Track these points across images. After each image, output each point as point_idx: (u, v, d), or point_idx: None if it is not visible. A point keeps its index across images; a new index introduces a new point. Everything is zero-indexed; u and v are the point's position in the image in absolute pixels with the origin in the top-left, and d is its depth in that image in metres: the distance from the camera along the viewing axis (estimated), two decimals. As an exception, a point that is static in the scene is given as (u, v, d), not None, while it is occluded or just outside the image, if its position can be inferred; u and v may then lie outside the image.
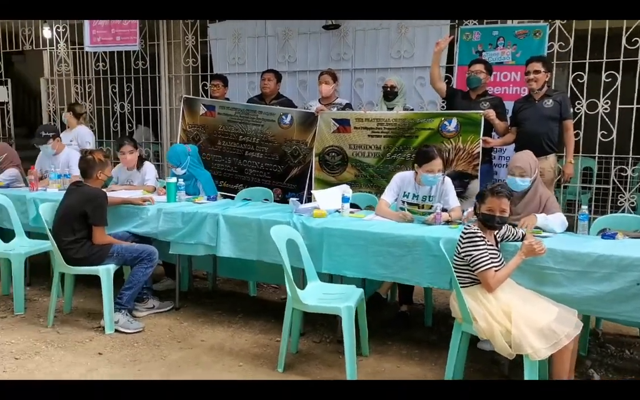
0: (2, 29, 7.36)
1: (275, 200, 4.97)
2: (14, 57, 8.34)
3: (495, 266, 2.91)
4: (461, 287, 2.95)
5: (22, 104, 7.87)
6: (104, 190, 4.06)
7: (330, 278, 3.70)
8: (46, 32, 7.09)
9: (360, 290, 3.42)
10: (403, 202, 3.94)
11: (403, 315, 4.00)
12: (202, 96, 6.19)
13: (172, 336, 3.81)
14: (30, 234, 4.57)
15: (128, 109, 6.80)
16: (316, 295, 3.38)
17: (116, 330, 3.80)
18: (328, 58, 5.81)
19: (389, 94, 4.96)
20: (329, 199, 3.97)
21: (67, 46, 7.09)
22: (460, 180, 4.52)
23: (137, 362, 3.41)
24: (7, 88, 7.51)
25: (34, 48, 7.27)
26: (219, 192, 4.98)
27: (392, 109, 4.96)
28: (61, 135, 5.43)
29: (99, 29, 6.44)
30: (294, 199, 4.26)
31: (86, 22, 6.43)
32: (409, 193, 3.94)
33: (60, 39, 7.05)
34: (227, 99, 5.77)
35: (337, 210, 3.92)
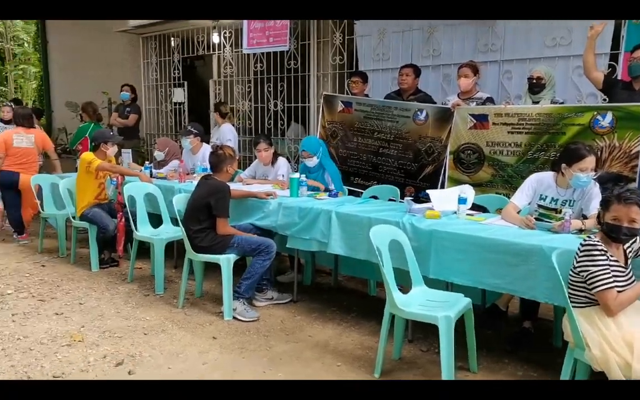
0: (182, 36, 8.24)
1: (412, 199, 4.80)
2: (191, 62, 9.29)
3: (619, 286, 2.43)
4: (575, 307, 2.52)
5: (196, 104, 8.70)
6: (229, 183, 4.28)
7: (447, 286, 3.44)
8: (215, 38, 7.75)
9: (467, 299, 3.12)
10: (539, 205, 3.50)
11: (525, 331, 3.56)
12: (348, 93, 6.22)
13: (282, 328, 3.88)
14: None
15: (281, 107, 7.13)
16: (418, 301, 3.17)
17: (234, 318, 3.99)
18: (475, 50, 5.42)
19: (535, 87, 4.45)
20: (445, 200, 3.69)
21: (232, 50, 7.67)
22: (615, 183, 3.87)
23: (244, 350, 3.54)
24: (184, 89, 8.38)
25: (206, 52, 8.00)
26: (346, 188, 4.96)
27: (537, 102, 4.45)
28: (211, 132, 5.89)
29: (255, 32, 6.86)
30: (409, 197, 4.05)
31: (245, 26, 6.90)
32: (546, 196, 3.49)
33: (226, 43, 7.66)
34: (367, 96, 5.72)
35: (454, 212, 3.63)
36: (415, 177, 5.11)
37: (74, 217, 5.39)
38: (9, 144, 6.10)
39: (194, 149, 5.76)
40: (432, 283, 3.37)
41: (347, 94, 6.17)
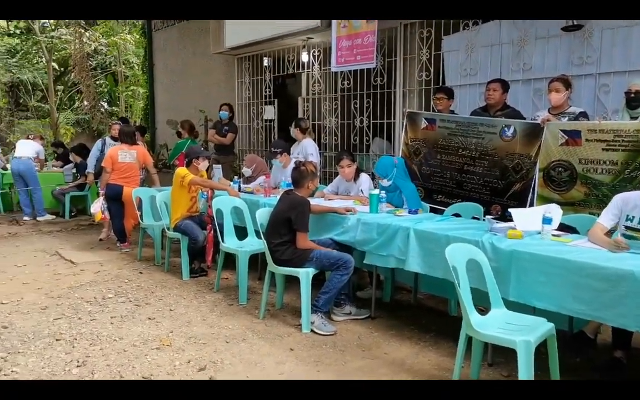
0: (273, 56, 8.56)
1: (493, 218, 4.65)
2: (282, 80, 9.60)
3: None
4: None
5: (285, 120, 8.99)
6: (310, 198, 4.38)
7: (533, 310, 3.29)
8: (304, 56, 7.98)
9: (550, 324, 2.97)
10: (626, 227, 3.28)
11: (616, 362, 3.32)
12: (434, 110, 6.16)
13: (359, 344, 3.89)
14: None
15: (366, 123, 7.18)
16: (496, 324, 3.06)
17: (311, 331, 4.06)
18: (568, 62, 5.18)
19: (633, 101, 4.20)
20: (528, 219, 3.54)
21: (320, 68, 7.85)
22: None
23: (319, 363, 3.58)
24: (274, 107, 8.68)
25: (296, 71, 8.25)
26: (428, 205, 4.90)
27: (636, 118, 4.17)
28: (291, 147, 6.05)
29: (343, 50, 6.98)
30: (489, 216, 3.92)
31: (333, 45, 7.04)
32: (633, 217, 3.26)
33: (315, 61, 7.85)
34: (452, 112, 5.63)
35: (538, 232, 3.48)
36: (502, 194, 4.94)
37: (168, 228, 5.74)
38: (114, 159, 6.63)
39: (285, 164, 5.93)
40: (517, 307, 3.25)
41: (433, 110, 6.10)
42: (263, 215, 4.49)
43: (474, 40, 5.93)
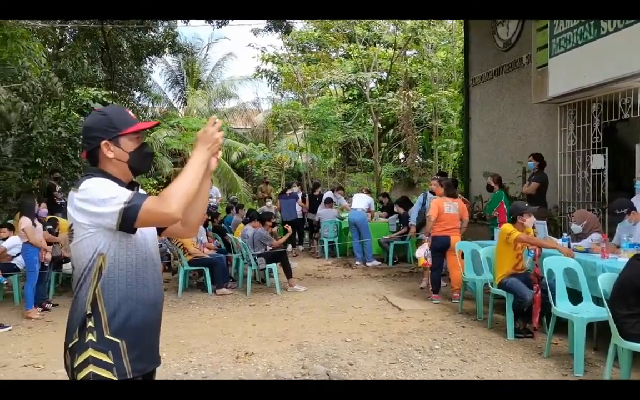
0: (603, 101, 7.84)
1: None
2: (612, 125, 8.68)
3: None
4: None
5: (616, 171, 8.08)
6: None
7: None
8: (644, 99, 7.09)
9: None
10: None
11: None
12: None
13: None
14: (598, 300, 4.75)
15: None
16: None
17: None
18: None
19: None
20: None
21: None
22: None
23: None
24: (604, 156, 7.90)
25: (632, 115, 7.38)
26: None
27: None
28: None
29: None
30: None
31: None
32: None
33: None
34: None
35: None
36: None
37: (491, 284, 5.71)
38: (441, 210, 7.00)
39: (635, 221, 5.31)
40: None
41: None
42: (606, 280, 4.09)
43: None
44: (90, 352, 2.01)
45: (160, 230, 2.30)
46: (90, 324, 2.02)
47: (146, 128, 2.31)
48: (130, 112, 2.28)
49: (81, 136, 2.30)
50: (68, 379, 2.09)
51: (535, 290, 5.21)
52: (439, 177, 8.72)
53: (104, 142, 2.11)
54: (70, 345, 2.05)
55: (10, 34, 7.20)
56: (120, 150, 2.14)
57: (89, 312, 2.02)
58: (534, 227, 5.86)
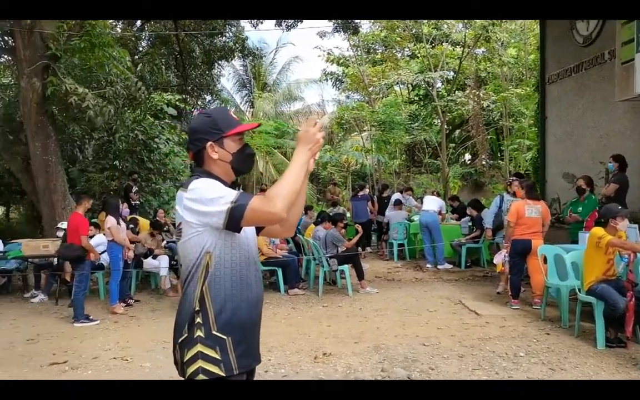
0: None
1: None
2: None
3: None
4: None
5: None
6: None
7: None
8: None
9: None
10: None
11: None
12: None
13: None
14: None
15: None
16: None
17: None
18: None
19: None
20: None
21: None
22: None
23: None
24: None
25: None
26: None
27: None
28: None
29: None
30: None
31: None
32: None
33: None
34: None
35: None
36: None
37: (579, 290, 5.45)
38: (521, 214, 6.73)
39: None
40: None
41: None
42: None
43: None
44: (199, 348, 2.05)
45: (258, 230, 2.32)
46: (198, 320, 2.07)
47: (248, 129, 2.34)
48: (232, 112, 2.32)
49: (187, 138, 2.36)
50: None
51: (628, 297, 4.92)
52: (519, 179, 8.42)
53: (209, 143, 2.15)
54: (180, 340, 2.10)
55: (98, 42, 7.59)
56: (224, 151, 2.18)
57: (197, 308, 2.07)
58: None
